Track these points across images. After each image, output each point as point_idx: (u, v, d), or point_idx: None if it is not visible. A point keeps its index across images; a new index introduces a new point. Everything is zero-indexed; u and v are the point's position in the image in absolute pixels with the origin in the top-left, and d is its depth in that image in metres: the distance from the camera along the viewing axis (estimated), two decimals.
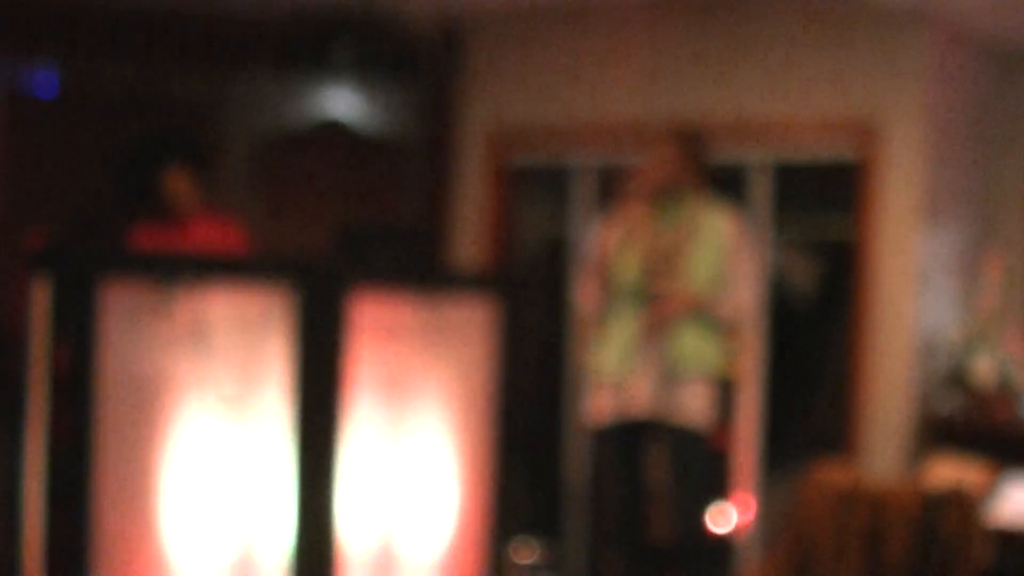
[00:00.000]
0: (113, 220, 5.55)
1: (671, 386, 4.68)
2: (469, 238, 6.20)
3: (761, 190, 5.41)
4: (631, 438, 4.80)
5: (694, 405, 4.70)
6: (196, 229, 5.25)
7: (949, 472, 4.82)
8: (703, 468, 4.75)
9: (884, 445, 5.16)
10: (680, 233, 4.75)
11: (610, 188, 4.74)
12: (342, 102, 6.50)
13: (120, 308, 3.91)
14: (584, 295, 4.87)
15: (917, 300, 5.18)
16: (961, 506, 3.95)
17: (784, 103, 5.42)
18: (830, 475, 4.12)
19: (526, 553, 2.77)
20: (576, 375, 5.70)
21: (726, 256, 4.76)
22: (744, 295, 4.78)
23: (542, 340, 6.22)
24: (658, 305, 4.66)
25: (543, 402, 6.16)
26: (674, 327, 4.67)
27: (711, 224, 4.78)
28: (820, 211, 5.79)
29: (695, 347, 4.70)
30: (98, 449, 3.83)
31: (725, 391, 5.65)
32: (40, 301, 3.76)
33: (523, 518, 6.25)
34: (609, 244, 4.76)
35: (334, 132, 6.48)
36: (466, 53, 6.26)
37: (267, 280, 4.23)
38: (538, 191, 6.33)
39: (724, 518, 5.95)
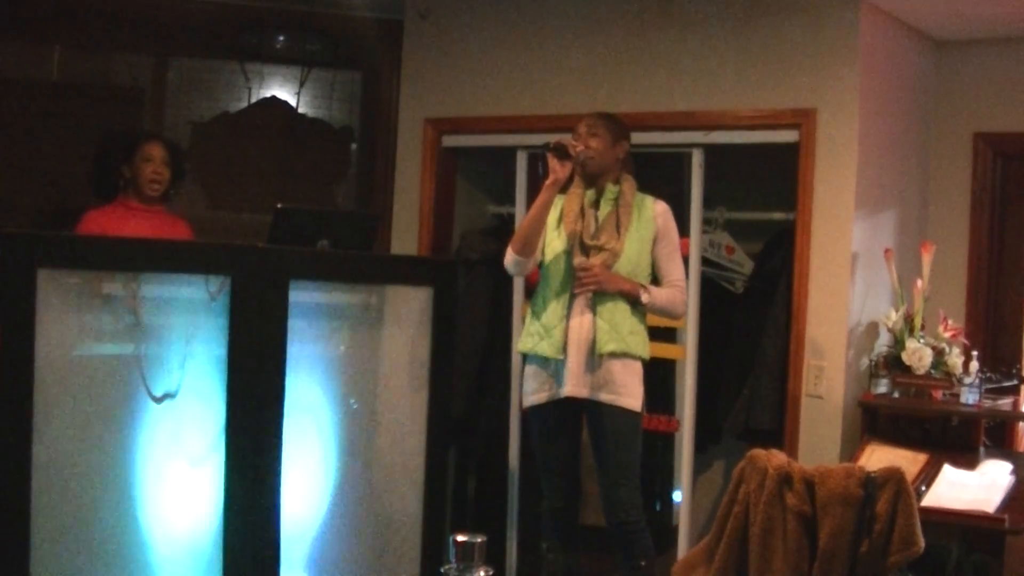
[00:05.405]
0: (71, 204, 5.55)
1: (600, 366, 4.70)
2: (409, 220, 6.19)
3: (697, 173, 5.44)
4: (562, 418, 4.83)
5: (624, 385, 4.72)
6: (148, 220, 5.24)
7: (884, 457, 4.88)
8: (635, 448, 4.77)
9: (820, 429, 5.20)
10: (610, 216, 4.78)
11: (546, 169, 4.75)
12: (280, 85, 6.48)
13: (58, 293, 3.90)
14: (507, 262, 4.88)
15: (853, 284, 5.23)
16: (898, 484, 3.99)
17: (721, 87, 5.44)
18: (767, 454, 4.15)
19: (468, 537, 2.78)
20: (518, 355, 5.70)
21: (656, 239, 4.80)
22: (675, 277, 4.82)
23: (486, 320, 6.19)
24: (594, 270, 4.68)
25: (490, 384, 6.13)
26: (605, 303, 4.69)
27: (639, 208, 4.81)
28: (757, 194, 5.82)
29: (622, 327, 4.72)
30: (36, 430, 3.83)
31: (664, 373, 5.69)
32: None
33: (467, 508, 6.26)
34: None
35: (273, 113, 6.46)
36: (405, 38, 6.24)
37: (205, 267, 4.24)
38: (483, 170, 6.33)
39: (658, 498, 5.99)
